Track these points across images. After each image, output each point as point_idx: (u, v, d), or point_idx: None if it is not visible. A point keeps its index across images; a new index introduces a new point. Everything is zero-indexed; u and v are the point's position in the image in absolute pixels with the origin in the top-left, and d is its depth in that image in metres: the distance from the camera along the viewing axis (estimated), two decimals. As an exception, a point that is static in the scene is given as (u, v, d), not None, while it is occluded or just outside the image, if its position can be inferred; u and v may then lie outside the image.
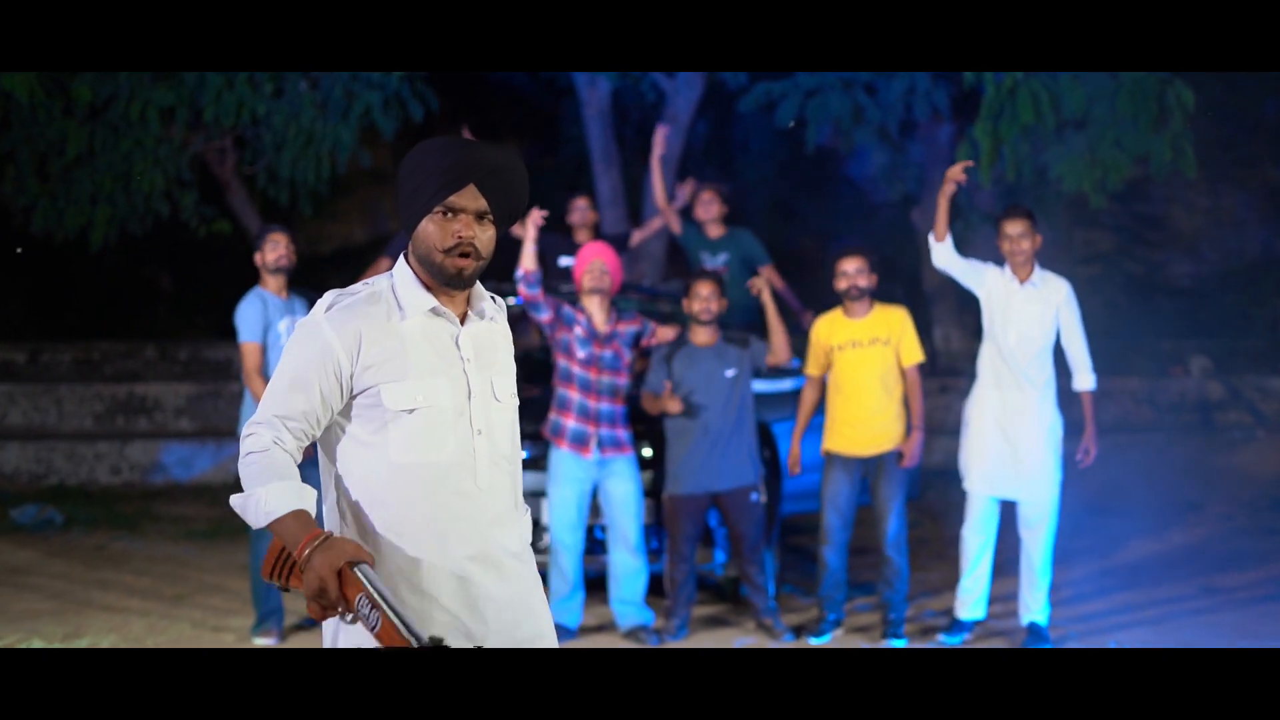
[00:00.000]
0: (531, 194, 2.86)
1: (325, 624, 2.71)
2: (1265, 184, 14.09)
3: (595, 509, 6.49)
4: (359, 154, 10.46)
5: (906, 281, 12.27)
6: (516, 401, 2.87)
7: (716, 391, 6.27)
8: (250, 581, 6.28)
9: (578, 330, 6.25)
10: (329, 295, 2.74)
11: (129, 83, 9.72)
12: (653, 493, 6.58)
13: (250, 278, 6.32)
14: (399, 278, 2.75)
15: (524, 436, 6.68)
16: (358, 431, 2.69)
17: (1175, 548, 8.11)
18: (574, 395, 6.23)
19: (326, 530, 2.57)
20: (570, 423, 6.22)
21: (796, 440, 6.37)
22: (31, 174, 10.05)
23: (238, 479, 2.65)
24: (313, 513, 2.59)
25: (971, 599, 6.20)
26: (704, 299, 6.29)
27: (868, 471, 6.28)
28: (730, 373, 6.29)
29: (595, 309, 6.31)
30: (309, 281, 7.43)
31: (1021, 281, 6.09)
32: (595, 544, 6.67)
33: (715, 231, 7.91)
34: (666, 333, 6.45)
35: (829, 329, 6.32)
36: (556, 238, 7.77)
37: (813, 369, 6.37)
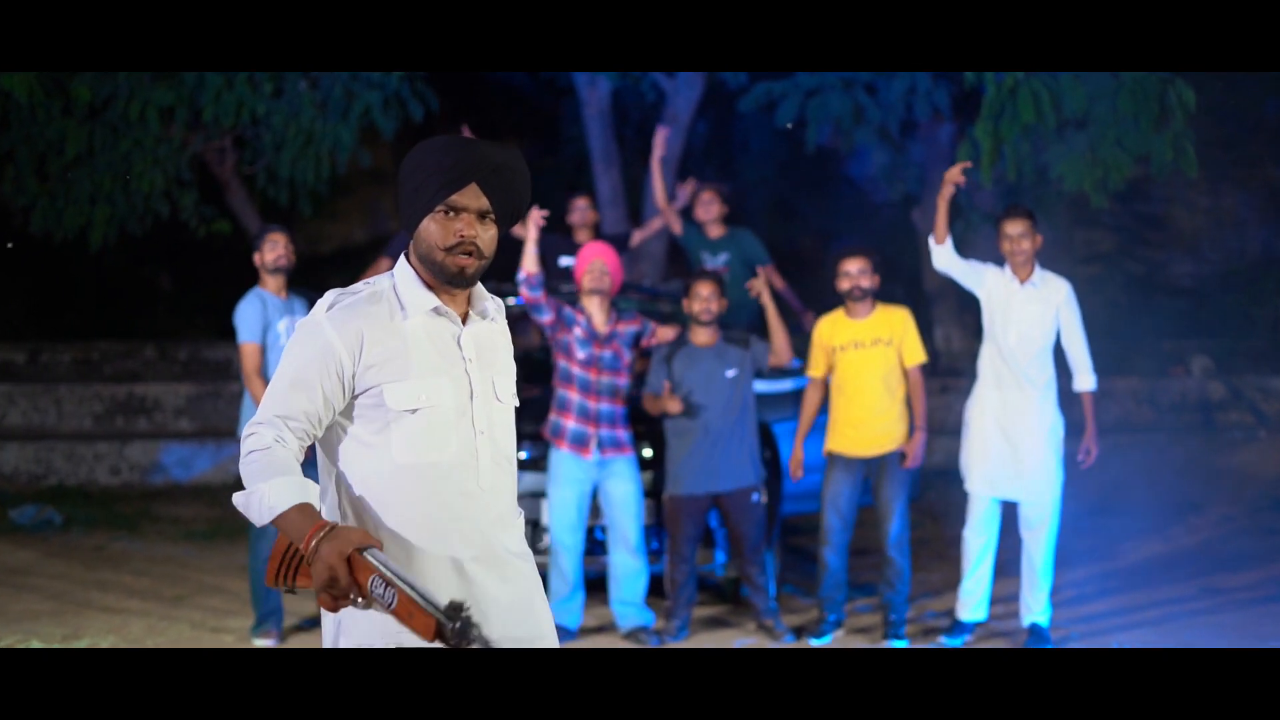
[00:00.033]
0: (532, 193, 2.85)
1: (325, 624, 2.70)
2: (1266, 184, 14.08)
3: (595, 510, 6.48)
4: (359, 154, 10.45)
5: (907, 281, 12.26)
6: (516, 402, 2.86)
7: (717, 392, 6.26)
8: (250, 582, 6.27)
9: (577, 331, 6.24)
10: (330, 294, 2.73)
11: (128, 82, 9.71)
12: (653, 493, 6.57)
13: (250, 278, 6.31)
14: (400, 277, 2.74)
15: (524, 437, 6.72)
16: (359, 432, 2.68)
17: (1176, 548, 8.11)
18: (574, 396, 6.22)
19: (331, 521, 2.57)
20: (570, 424, 6.21)
21: (799, 443, 6.35)
22: (31, 174, 10.04)
23: (237, 479, 2.64)
24: (316, 506, 2.58)
25: (973, 600, 6.19)
26: (704, 299, 6.28)
27: (870, 472, 6.27)
28: (731, 373, 6.28)
29: (595, 309, 6.30)
30: (309, 281, 7.43)
31: (1022, 281, 6.08)
32: (595, 545, 6.66)
33: (715, 232, 7.90)
34: (666, 333, 6.44)
35: (831, 329, 6.31)
36: (557, 238, 7.76)
37: (815, 370, 6.36)
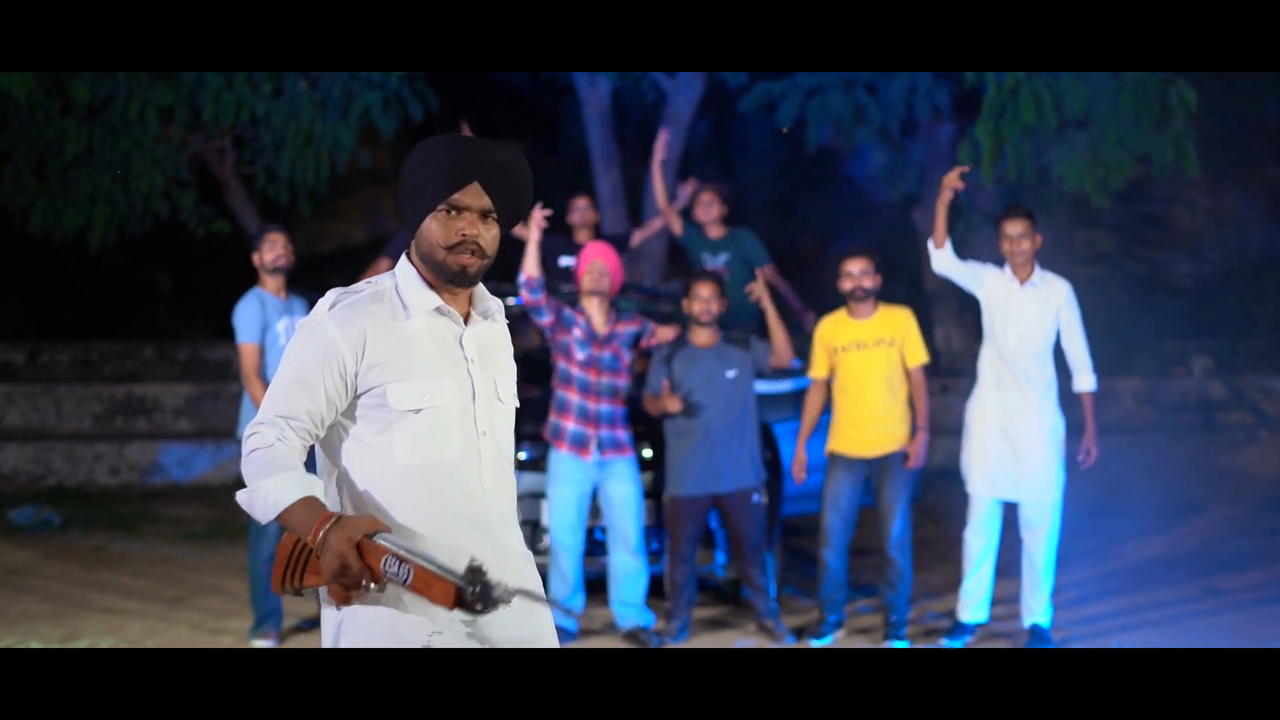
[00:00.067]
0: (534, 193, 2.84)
1: (325, 625, 2.69)
2: (1267, 184, 14.07)
3: (595, 510, 6.47)
4: (358, 154, 10.44)
5: (907, 281, 12.24)
6: (517, 403, 2.86)
7: (717, 392, 6.25)
8: (249, 583, 6.26)
9: (576, 332, 6.23)
10: (332, 294, 2.72)
11: (127, 82, 9.70)
12: (653, 494, 6.56)
13: (250, 278, 6.30)
14: (402, 277, 2.73)
15: (523, 438, 6.70)
16: (362, 432, 2.67)
17: (1177, 549, 8.09)
18: (573, 398, 6.21)
19: (337, 512, 2.55)
20: (570, 425, 6.20)
21: (801, 446, 6.33)
22: (30, 174, 10.03)
23: (237, 480, 2.63)
24: (321, 499, 2.57)
25: (974, 602, 6.18)
26: (704, 300, 6.27)
27: (872, 473, 6.26)
28: (731, 374, 6.27)
29: (594, 310, 6.29)
30: (308, 282, 7.41)
31: (1022, 282, 6.08)
32: (595, 545, 6.65)
33: (716, 232, 7.90)
34: (666, 333, 6.43)
35: (833, 330, 6.30)
36: (557, 238, 7.75)
37: (817, 371, 6.34)
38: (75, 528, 8.70)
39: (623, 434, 6.27)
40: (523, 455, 6.48)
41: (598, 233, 7.97)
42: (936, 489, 8.93)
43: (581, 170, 13.13)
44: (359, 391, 2.66)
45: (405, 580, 2.43)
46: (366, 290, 2.71)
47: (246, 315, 6.08)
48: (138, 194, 10.09)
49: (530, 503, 6.44)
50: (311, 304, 2.95)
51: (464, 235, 2.67)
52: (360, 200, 14.18)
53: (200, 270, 12.88)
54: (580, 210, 7.90)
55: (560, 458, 6.21)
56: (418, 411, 2.65)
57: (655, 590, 6.55)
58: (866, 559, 7.21)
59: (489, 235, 2.71)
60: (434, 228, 2.68)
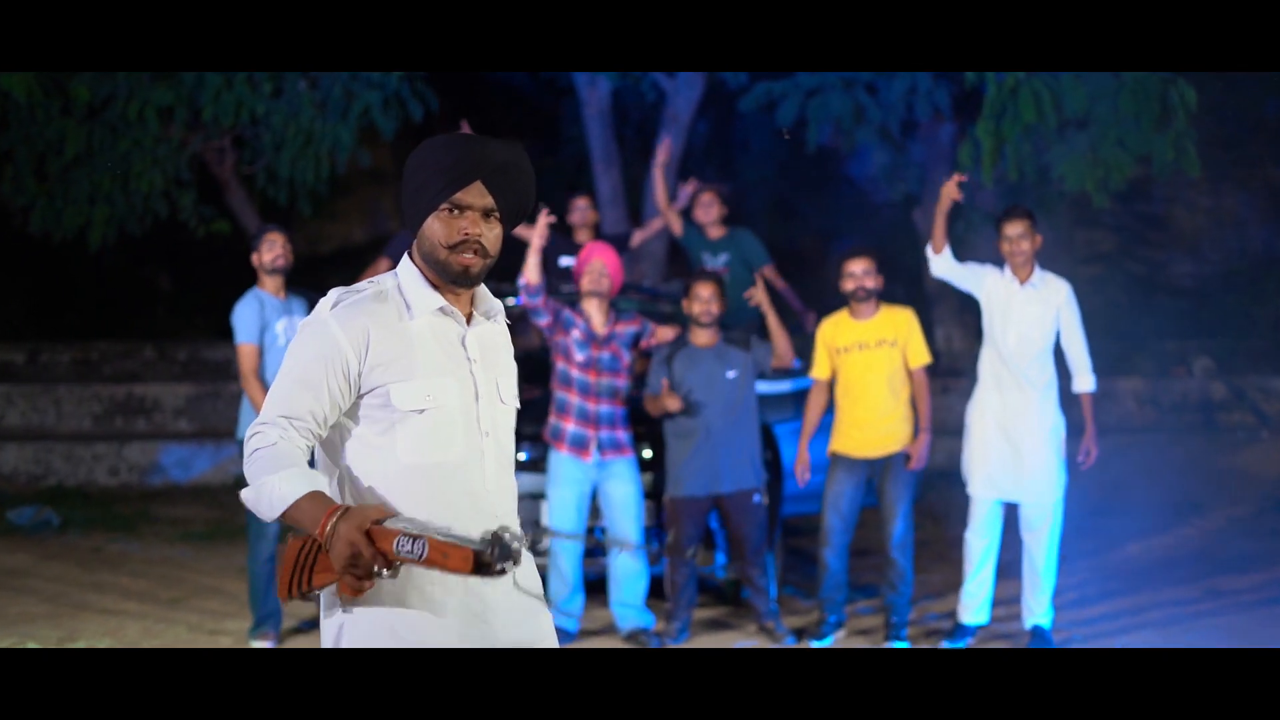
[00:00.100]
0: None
1: (326, 626, 2.68)
2: (1267, 184, 14.07)
3: (595, 511, 6.47)
4: (358, 154, 10.44)
5: (908, 282, 12.24)
6: (518, 404, 2.85)
7: (718, 393, 6.24)
8: (248, 584, 6.25)
9: (575, 334, 6.22)
10: (333, 293, 2.70)
11: (127, 82, 9.70)
12: (653, 495, 6.56)
13: (250, 278, 6.29)
14: (405, 277, 2.72)
15: (524, 439, 6.68)
16: (364, 433, 2.66)
17: (1178, 549, 8.09)
18: (573, 399, 6.20)
19: (344, 504, 2.55)
20: (569, 426, 6.19)
21: (803, 447, 6.32)
22: (30, 174, 10.03)
23: (236, 480, 2.63)
24: (327, 493, 2.56)
25: (975, 603, 6.17)
26: (704, 301, 6.26)
27: (874, 473, 6.25)
28: (731, 374, 6.26)
29: (594, 311, 6.28)
30: (308, 282, 7.41)
31: (1021, 282, 6.07)
32: (595, 546, 6.63)
33: (716, 232, 7.89)
34: (666, 333, 6.43)
35: (835, 331, 6.29)
36: (557, 238, 7.74)
37: (819, 372, 6.33)
38: (74, 528, 8.70)
39: (622, 435, 6.26)
40: (522, 456, 6.47)
41: (598, 233, 7.96)
42: (937, 490, 8.92)
43: (581, 170, 13.13)
44: (362, 391, 2.65)
45: (421, 555, 2.41)
46: (369, 290, 2.70)
47: (245, 316, 6.07)
48: (137, 194, 10.09)
49: (530, 503, 6.43)
50: (311, 304, 2.95)
51: (466, 234, 2.66)
52: (360, 200, 14.18)
53: (200, 270, 12.88)
54: (580, 210, 7.89)
55: (560, 459, 6.21)
56: (421, 412, 2.64)
57: (655, 591, 6.55)
58: (867, 560, 7.21)
59: (491, 234, 2.70)
60: (436, 227, 2.67)
